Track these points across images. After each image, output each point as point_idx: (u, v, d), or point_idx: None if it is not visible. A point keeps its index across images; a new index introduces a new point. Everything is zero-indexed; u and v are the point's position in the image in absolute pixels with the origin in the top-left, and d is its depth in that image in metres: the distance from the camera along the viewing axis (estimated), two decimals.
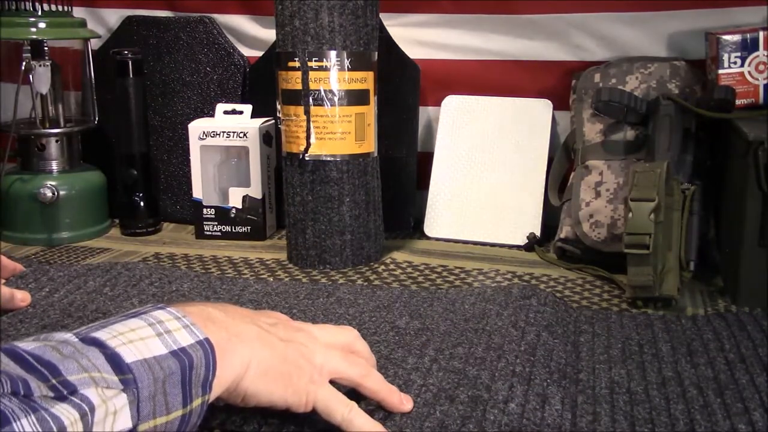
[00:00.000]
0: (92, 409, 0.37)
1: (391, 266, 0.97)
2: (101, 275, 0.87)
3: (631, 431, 0.56)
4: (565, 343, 0.71)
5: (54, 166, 1.10)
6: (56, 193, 1.07)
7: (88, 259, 1.01)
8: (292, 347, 0.50)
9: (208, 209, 1.10)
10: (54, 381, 0.37)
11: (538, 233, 1.05)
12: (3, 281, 0.65)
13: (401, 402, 0.55)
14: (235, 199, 1.10)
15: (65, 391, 0.37)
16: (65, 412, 0.36)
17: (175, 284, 0.87)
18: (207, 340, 0.45)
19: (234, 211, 1.10)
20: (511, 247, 1.05)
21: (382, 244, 1.02)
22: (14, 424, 0.34)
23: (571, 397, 0.61)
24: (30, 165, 1.10)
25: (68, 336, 0.41)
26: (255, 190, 1.09)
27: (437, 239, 1.09)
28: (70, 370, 0.38)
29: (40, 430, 0.35)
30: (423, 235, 1.10)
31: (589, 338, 0.73)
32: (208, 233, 1.11)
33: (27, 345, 0.39)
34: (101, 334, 0.42)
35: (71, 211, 1.09)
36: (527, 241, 1.05)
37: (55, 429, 0.35)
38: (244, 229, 1.10)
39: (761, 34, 0.92)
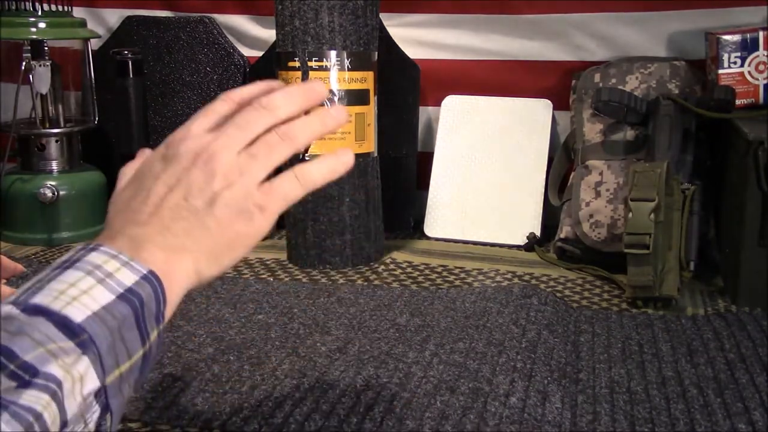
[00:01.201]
0: (59, 384, 0.36)
1: (391, 266, 0.97)
2: None
3: (631, 431, 0.56)
4: (566, 342, 0.71)
5: (54, 166, 1.10)
6: (56, 193, 1.07)
7: None
8: (220, 204, 0.44)
9: None
10: (12, 367, 0.36)
11: (538, 233, 1.05)
12: (3, 281, 0.64)
13: (348, 162, 0.49)
14: None
15: (27, 376, 0.35)
16: (34, 399, 0.35)
17: None
18: (150, 272, 0.42)
19: None
20: (511, 247, 1.05)
21: (382, 244, 1.02)
22: None
23: (571, 397, 0.61)
24: (30, 165, 1.10)
25: (9, 309, 0.39)
26: None
27: (437, 239, 1.09)
28: (25, 349, 0.36)
29: (18, 427, 0.34)
30: (423, 235, 1.10)
31: (589, 338, 0.73)
32: None
33: None
34: (42, 299, 0.39)
35: (71, 211, 1.09)
36: (527, 241, 1.05)
37: (31, 419, 0.34)
38: None
39: (761, 34, 0.92)
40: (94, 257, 0.42)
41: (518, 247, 1.05)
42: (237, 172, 0.45)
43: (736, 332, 0.73)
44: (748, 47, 0.92)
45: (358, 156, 0.95)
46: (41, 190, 1.06)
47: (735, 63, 0.93)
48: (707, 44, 0.98)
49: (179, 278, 0.44)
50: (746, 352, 0.68)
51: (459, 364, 0.64)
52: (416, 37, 1.13)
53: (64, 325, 0.38)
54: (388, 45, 1.08)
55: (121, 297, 0.40)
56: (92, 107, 1.16)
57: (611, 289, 0.89)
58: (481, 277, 0.92)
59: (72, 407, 0.37)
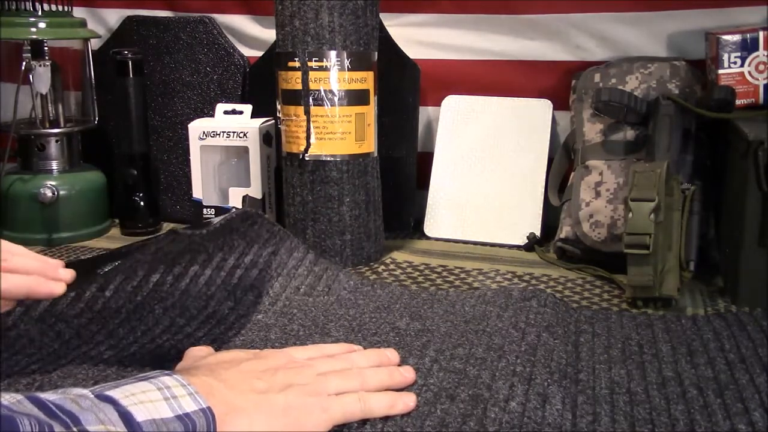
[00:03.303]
0: None
1: (391, 266, 0.97)
2: (99, 281, 0.86)
3: (631, 431, 0.56)
4: (566, 343, 0.71)
5: (54, 166, 1.10)
6: (56, 193, 1.07)
7: None
8: (293, 392, 0.54)
9: (208, 209, 1.10)
10: (75, 429, 0.41)
11: (538, 233, 1.05)
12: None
13: (408, 406, 0.58)
14: (235, 199, 1.10)
15: None
16: None
17: None
18: (209, 408, 0.48)
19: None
20: (511, 247, 1.05)
21: (382, 244, 1.02)
22: None
23: (571, 398, 0.61)
24: (30, 165, 1.10)
25: (85, 392, 0.45)
26: (255, 190, 1.09)
27: (437, 239, 1.09)
28: (88, 421, 0.42)
29: None
30: (423, 235, 1.10)
31: (589, 338, 0.73)
32: None
33: (49, 395, 0.42)
34: (114, 393, 0.45)
35: (71, 211, 1.09)
36: (527, 241, 1.05)
37: None
38: None
39: (761, 34, 0.92)
40: (167, 380, 0.49)
41: (518, 247, 1.05)
42: (314, 379, 0.56)
43: (736, 332, 0.73)
44: (748, 47, 0.92)
45: (357, 156, 0.95)
46: (41, 190, 1.06)
47: (735, 63, 0.93)
48: (707, 44, 0.99)
49: (234, 429, 0.49)
50: (746, 352, 0.68)
51: (459, 371, 0.64)
52: (416, 37, 1.13)
53: (127, 419, 0.44)
54: (388, 45, 1.08)
55: (179, 417, 0.46)
56: (92, 107, 1.16)
57: (611, 289, 0.89)
58: (481, 278, 0.92)
59: None
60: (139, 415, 0.44)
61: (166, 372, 0.50)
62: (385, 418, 0.56)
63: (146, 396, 0.46)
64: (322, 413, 0.54)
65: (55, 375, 0.64)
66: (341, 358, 0.61)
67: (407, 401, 0.57)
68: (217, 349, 0.70)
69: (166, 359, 0.68)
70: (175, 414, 0.46)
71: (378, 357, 0.63)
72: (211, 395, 0.49)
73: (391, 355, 0.64)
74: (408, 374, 0.61)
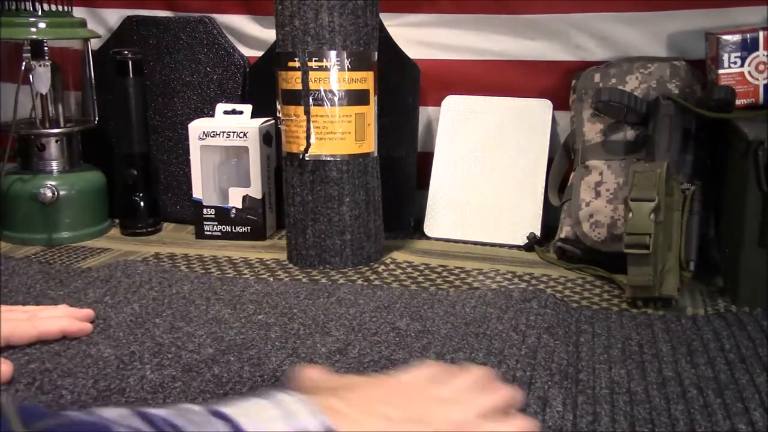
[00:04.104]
0: None
1: (391, 266, 0.97)
2: (101, 286, 0.87)
3: (631, 431, 0.56)
4: (567, 344, 0.71)
5: (54, 166, 1.10)
6: (56, 193, 1.07)
7: (88, 259, 1.01)
8: (425, 425, 0.49)
9: (208, 209, 1.10)
10: None
11: (538, 233, 1.05)
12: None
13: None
14: (235, 199, 1.10)
15: None
16: None
17: (176, 287, 0.87)
18: (330, 429, 0.44)
19: (234, 211, 1.10)
20: (511, 247, 1.05)
21: (382, 244, 1.02)
22: None
23: (572, 398, 0.61)
24: (30, 165, 1.10)
25: (197, 408, 0.43)
26: (255, 190, 1.09)
27: (437, 239, 1.09)
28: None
29: None
30: (423, 235, 1.10)
31: (589, 338, 0.73)
32: (208, 233, 1.11)
33: (158, 410, 0.41)
34: (227, 409, 0.43)
35: (71, 211, 1.09)
36: (527, 241, 1.05)
37: None
38: (244, 229, 1.10)
39: (761, 34, 0.92)
40: (284, 396, 0.45)
41: (518, 247, 1.05)
42: (443, 410, 0.50)
43: (736, 332, 0.73)
44: (748, 47, 0.92)
45: (357, 156, 0.95)
46: (41, 190, 1.06)
47: (735, 63, 0.93)
48: (707, 44, 0.99)
49: None
50: (746, 352, 0.68)
51: None
52: (416, 37, 1.13)
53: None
54: (388, 45, 1.08)
55: None
56: (92, 107, 1.16)
57: (611, 289, 0.89)
58: (481, 278, 0.92)
59: None
60: (252, 428, 0.42)
61: (284, 390, 0.47)
62: None
63: (262, 412, 0.43)
64: None
65: (55, 374, 0.65)
66: (445, 378, 0.54)
67: (528, 425, 0.53)
68: (217, 348, 0.70)
69: (165, 356, 0.68)
70: (293, 429, 0.43)
71: (481, 379, 0.56)
72: (337, 415, 0.45)
73: (490, 377, 0.57)
74: (511, 392, 0.55)
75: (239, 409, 0.43)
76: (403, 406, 0.49)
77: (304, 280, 0.92)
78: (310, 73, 0.92)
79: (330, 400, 0.47)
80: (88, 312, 0.77)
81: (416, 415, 0.49)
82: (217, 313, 0.79)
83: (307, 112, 0.93)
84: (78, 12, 1.18)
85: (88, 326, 0.74)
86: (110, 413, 0.39)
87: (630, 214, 0.81)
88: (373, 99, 0.96)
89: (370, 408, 0.48)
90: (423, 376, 0.55)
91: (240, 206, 1.10)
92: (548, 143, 1.08)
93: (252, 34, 1.19)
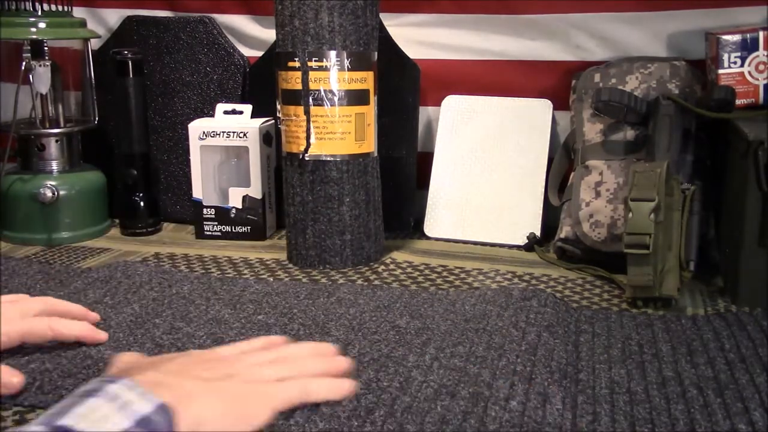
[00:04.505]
0: None
1: (391, 266, 0.97)
2: (101, 286, 0.87)
3: (631, 431, 0.56)
4: (566, 343, 0.71)
5: (54, 166, 1.10)
6: (56, 193, 1.07)
7: (88, 259, 1.01)
8: (234, 381, 0.55)
9: (208, 209, 1.10)
10: None
11: (538, 233, 1.05)
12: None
13: (348, 389, 0.59)
14: (235, 199, 1.10)
15: None
16: None
17: (176, 287, 0.87)
18: (163, 405, 0.48)
19: (234, 211, 1.10)
20: (511, 247, 1.05)
21: (382, 244, 1.02)
22: None
23: (571, 397, 0.61)
24: (30, 165, 1.10)
25: (37, 428, 0.43)
26: (255, 190, 1.09)
27: (437, 239, 1.09)
28: None
29: None
30: (423, 235, 1.10)
31: (589, 338, 0.73)
32: (208, 233, 1.11)
33: None
34: (67, 421, 0.44)
35: (71, 211, 1.09)
36: (527, 241, 1.05)
37: None
38: (244, 229, 1.10)
39: (761, 34, 0.92)
40: (114, 388, 0.48)
41: (518, 247, 1.05)
42: (251, 369, 0.57)
43: (736, 332, 0.73)
44: (748, 47, 0.93)
45: (357, 156, 0.95)
46: (41, 190, 1.06)
47: (735, 63, 0.93)
48: (707, 44, 0.99)
49: (186, 419, 0.49)
50: (746, 352, 0.68)
51: (459, 369, 0.64)
52: (416, 37, 1.13)
53: None
54: (388, 45, 1.08)
55: (138, 423, 0.46)
56: (92, 107, 1.16)
57: (611, 289, 0.89)
58: (481, 278, 0.92)
59: None
60: None
61: (108, 379, 0.49)
62: (385, 415, 0.56)
63: (99, 413, 0.45)
64: (264, 399, 0.55)
65: (55, 374, 0.64)
66: (274, 349, 0.62)
67: (346, 386, 0.59)
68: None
69: None
70: (133, 420, 0.46)
71: (315, 348, 0.64)
72: (160, 387, 0.49)
73: (327, 348, 0.64)
74: (344, 362, 0.62)
75: (78, 417, 0.45)
76: (215, 368, 0.56)
77: (304, 280, 0.92)
78: (310, 73, 0.92)
79: (149, 374, 0.51)
80: (97, 317, 0.76)
81: (228, 374, 0.55)
82: (216, 314, 0.79)
83: (307, 112, 0.93)
84: (78, 12, 1.18)
85: (105, 335, 0.72)
86: None
87: (630, 214, 0.81)
88: (373, 99, 0.96)
89: (186, 373, 0.54)
90: (242, 346, 0.62)
91: (240, 206, 1.10)
92: (548, 143, 1.08)
93: (252, 34, 1.19)
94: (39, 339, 0.69)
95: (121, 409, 0.46)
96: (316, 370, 0.60)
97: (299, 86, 0.93)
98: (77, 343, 0.71)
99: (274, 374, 0.57)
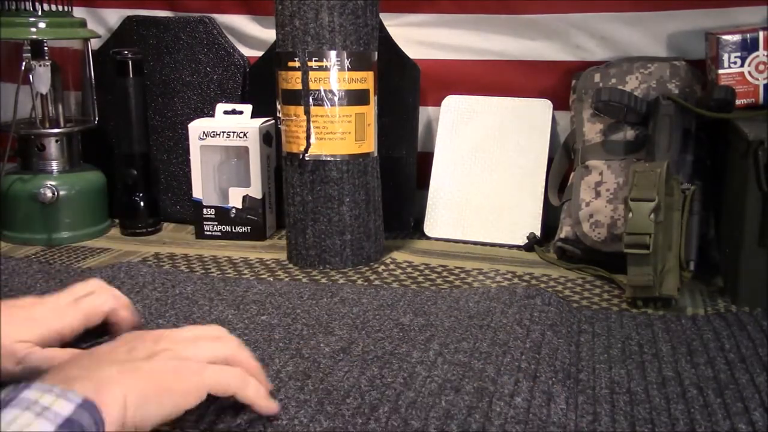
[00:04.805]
0: None
1: (391, 266, 0.97)
2: None
3: (631, 431, 0.56)
4: (569, 343, 0.71)
5: (54, 166, 1.10)
6: (56, 193, 1.07)
7: (88, 259, 1.01)
8: (159, 359, 0.53)
9: (208, 209, 1.10)
10: None
11: (538, 233, 1.05)
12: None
13: (270, 407, 0.56)
14: (235, 199, 1.10)
15: None
16: None
17: (179, 288, 0.87)
18: (86, 400, 0.45)
19: (234, 211, 1.10)
20: (511, 247, 1.06)
21: (382, 244, 1.02)
22: None
23: (574, 397, 0.61)
24: (30, 165, 1.10)
25: None
26: (255, 190, 1.09)
27: (437, 239, 1.09)
28: None
29: None
30: (423, 235, 1.10)
31: (589, 338, 0.73)
32: (208, 233, 1.11)
33: None
34: None
35: (71, 211, 1.09)
36: (527, 241, 1.05)
37: None
38: (244, 229, 1.10)
39: (761, 34, 0.92)
40: (28, 394, 0.45)
41: (518, 247, 1.05)
42: (181, 344, 0.55)
43: (736, 332, 0.73)
44: (748, 47, 0.93)
45: (357, 156, 0.95)
46: (41, 190, 1.06)
47: (735, 63, 0.93)
48: (707, 44, 0.99)
49: (110, 406, 0.47)
50: (746, 352, 0.69)
51: (463, 364, 0.64)
52: (416, 37, 1.13)
53: None
54: (388, 45, 1.08)
55: (62, 426, 0.43)
56: (92, 107, 1.16)
57: (611, 289, 0.89)
58: (481, 277, 0.92)
59: None
60: None
61: (23, 385, 0.46)
62: (389, 411, 0.56)
63: (18, 425, 0.43)
64: (194, 376, 0.53)
65: None
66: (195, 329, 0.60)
67: (270, 407, 0.56)
68: None
69: None
70: (57, 425, 0.43)
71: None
72: (75, 381, 0.47)
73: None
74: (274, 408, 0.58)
75: None
76: (137, 348, 0.54)
77: (304, 280, 0.92)
78: (310, 73, 0.92)
79: (65, 372, 0.49)
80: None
81: (152, 352, 0.53)
82: (220, 314, 0.79)
83: (307, 112, 0.93)
84: (78, 12, 1.18)
85: (138, 317, 0.72)
86: None
87: (630, 214, 0.81)
88: (373, 99, 0.96)
89: (104, 359, 0.52)
90: (145, 333, 0.59)
91: (240, 206, 1.10)
92: (548, 143, 1.09)
93: (252, 34, 1.19)
94: (96, 319, 0.68)
95: (40, 415, 0.43)
96: (246, 358, 0.58)
97: (299, 86, 0.93)
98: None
99: (208, 351, 0.56)
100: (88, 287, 0.70)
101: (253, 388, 0.55)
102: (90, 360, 0.52)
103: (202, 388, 0.53)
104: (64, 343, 0.66)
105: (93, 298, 0.69)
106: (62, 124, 1.12)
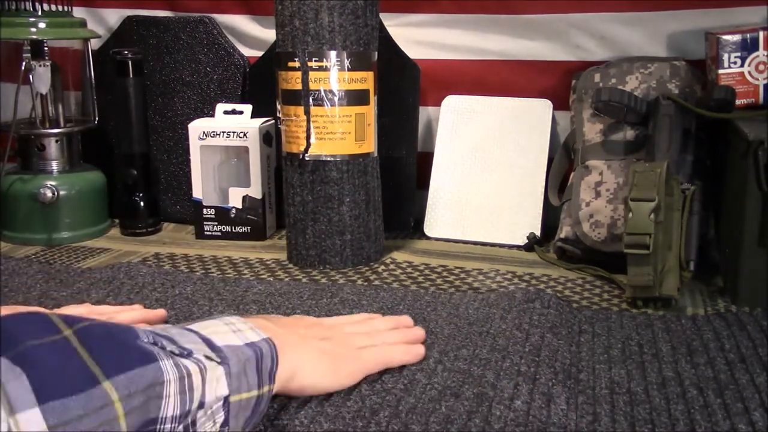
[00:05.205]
0: (204, 368, 0.48)
1: (391, 266, 0.97)
2: (104, 287, 0.87)
3: (631, 431, 0.56)
4: (570, 344, 0.71)
5: (54, 166, 1.10)
6: (56, 193, 1.07)
7: (88, 259, 1.01)
8: (329, 342, 0.62)
9: (208, 209, 1.10)
10: (175, 346, 0.48)
11: (538, 233, 1.05)
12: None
13: (420, 353, 0.67)
14: (235, 199, 1.10)
15: (185, 353, 0.48)
16: (189, 365, 0.47)
17: (179, 288, 0.87)
18: (270, 340, 0.55)
19: (234, 211, 1.10)
20: (511, 247, 1.06)
21: (382, 244, 1.02)
22: (160, 363, 0.45)
23: (574, 398, 0.61)
24: (30, 165, 1.10)
25: (165, 326, 0.52)
26: (255, 190, 1.09)
27: (437, 239, 1.09)
28: (183, 341, 0.49)
29: (175, 371, 0.45)
30: (423, 235, 1.10)
31: (589, 338, 0.73)
32: (208, 233, 1.11)
33: (142, 331, 0.48)
34: (191, 326, 0.52)
35: (71, 211, 1.09)
36: (527, 241, 1.05)
37: (184, 373, 0.46)
38: (244, 229, 1.10)
39: (761, 34, 0.92)
40: (230, 318, 0.56)
41: (518, 247, 1.05)
42: (344, 335, 0.65)
43: (736, 332, 0.73)
44: (748, 47, 0.93)
45: (357, 156, 0.95)
46: (41, 190, 1.06)
47: (735, 63, 0.93)
48: (707, 44, 0.99)
49: (285, 362, 0.55)
50: (746, 352, 0.69)
51: (463, 371, 0.64)
52: (416, 37, 1.13)
53: (208, 342, 0.51)
54: (388, 45, 1.08)
55: (247, 345, 0.53)
56: (92, 107, 1.16)
57: (611, 289, 0.89)
58: (481, 278, 0.92)
59: (209, 395, 0.47)
60: (217, 340, 0.51)
61: (227, 314, 0.62)
62: (390, 416, 0.56)
63: (216, 328, 0.53)
64: (355, 362, 0.62)
65: None
66: (363, 323, 0.70)
67: (419, 351, 0.67)
68: None
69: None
70: (243, 342, 0.52)
71: (395, 322, 0.71)
72: (267, 331, 0.56)
73: (405, 320, 0.72)
74: (419, 331, 0.70)
75: (201, 327, 0.52)
76: (314, 330, 0.64)
77: (304, 280, 0.92)
78: (310, 73, 0.92)
79: (262, 321, 0.59)
80: (161, 313, 0.77)
81: (324, 336, 0.63)
82: (220, 314, 0.79)
83: (307, 112, 0.93)
84: (78, 12, 1.18)
85: (162, 312, 0.77)
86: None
87: (630, 214, 0.81)
88: (373, 99, 0.96)
89: (289, 328, 0.61)
90: (341, 319, 0.71)
91: (240, 206, 1.10)
92: (548, 143, 1.09)
93: (252, 34, 1.19)
94: None
95: (235, 332, 0.53)
96: (395, 341, 0.67)
97: (299, 86, 0.93)
98: None
99: (361, 342, 0.64)
100: (132, 314, 0.76)
101: (398, 358, 0.65)
102: (276, 324, 0.60)
103: (360, 372, 0.62)
104: None
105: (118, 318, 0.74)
106: (62, 124, 1.12)
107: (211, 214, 1.10)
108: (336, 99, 0.93)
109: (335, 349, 0.62)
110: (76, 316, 0.44)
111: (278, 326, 0.59)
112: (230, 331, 0.53)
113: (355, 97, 0.94)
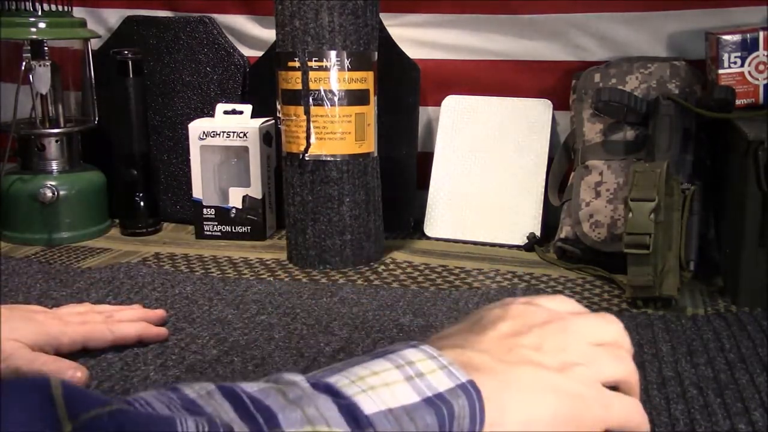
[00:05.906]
0: None
1: (391, 266, 0.97)
2: (104, 287, 0.87)
3: None
4: None
5: (54, 166, 1.10)
6: (56, 193, 1.07)
7: (88, 259, 1.01)
8: (573, 377, 0.42)
9: (208, 209, 1.10)
10: (266, 430, 0.32)
11: (538, 233, 1.05)
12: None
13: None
14: (235, 199, 1.10)
15: None
16: None
17: (178, 288, 0.87)
18: (471, 382, 0.37)
19: (234, 211, 1.10)
20: (511, 247, 1.06)
21: (382, 244, 1.02)
22: None
23: None
24: (30, 165, 1.10)
25: (298, 379, 0.36)
26: (255, 190, 1.09)
27: (437, 239, 1.09)
28: (290, 420, 0.32)
29: None
30: (423, 235, 1.10)
31: None
32: (208, 233, 1.11)
33: (251, 386, 0.35)
34: (337, 380, 0.35)
35: (71, 211, 1.09)
36: (527, 241, 1.05)
37: None
38: (244, 229, 1.10)
39: (761, 34, 0.93)
40: (410, 353, 0.38)
41: (518, 247, 1.05)
42: (588, 357, 0.44)
43: (736, 332, 0.73)
44: (748, 47, 0.93)
45: (357, 156, 0.95)
46: (41, 190, 1.06)
47: (735, 63, 0.93)
48: (707, 44, 0.99)
49: (505, 417, 0.38)
50: (746, 352, 0.69)
51: None
52: (416, 37, 1.13)
53: (350, 412, 0.33)
54: (388, 45, 1.08)
55: (427, 401, 0.35)
56: (92, 107, 1.16)
57: (611, 289, 0.89)
58: (481, 278, 0.92)
59: None
60: (369, 405, 0.34)
61: (412, 343, 0.39)
62: None
63: (380, 378, 0.35)
64: (601, 411, 0.42)
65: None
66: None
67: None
68: (220, 349, 0.70)
69: (170, 357, 0.68)
70: (422, 397, 0.35)
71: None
72: (472, 368, 0.38)
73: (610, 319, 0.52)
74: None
75: (350, 378, 0.35)
76: (549, 353, 0.42)
77: (304, 280, 0.92)
78: (310, 73, 0.92)
79: (465, 352, 0.39)
80: (161, 313, 0.77)
81: (566, 362, 0.42)
82: (220, 314, 0.79)
83: (307, 112, 0.93)
84: (78, 12, 1.18)
85: (165, 332, 0.73)
86: (189, 390, 0.33)
87: (630, 214, 0.81)
88: (373, 99, 0.96)
89: (508, 352, 0.40)
90: (535, 317, 0.47)
91: (240, 206, 1.10)
92: (548, 143, 1.09)
93: (252, 34, 1.19)
94: (100, 343, 0.69)
95: (410, 379, 0.36)
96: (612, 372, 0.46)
97: (299, 86, 0.93)
98: (141, 343, 0.71)
99: (605, 366, 0.44)
100: (131, 313, 0.73)
101: (647, 424, 0.46)
102: (488, 342, 0.42)
103: (603, 424, 0.42)
104: (60, 353, 0.66)
105: (125, 326, 0.71)
106: (62, 124, 1.12)
107: (211, 214, 1.10)
108: (336, 99, 0.93)
109: (583, 390, 0.42)
110: (86, 398, 0.29)
111: (495, 345, 0.41)
112: (403, 378, 0.36)
113: (355, 97, 0.94)
